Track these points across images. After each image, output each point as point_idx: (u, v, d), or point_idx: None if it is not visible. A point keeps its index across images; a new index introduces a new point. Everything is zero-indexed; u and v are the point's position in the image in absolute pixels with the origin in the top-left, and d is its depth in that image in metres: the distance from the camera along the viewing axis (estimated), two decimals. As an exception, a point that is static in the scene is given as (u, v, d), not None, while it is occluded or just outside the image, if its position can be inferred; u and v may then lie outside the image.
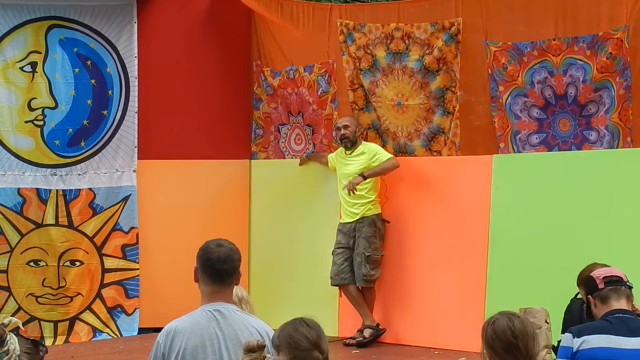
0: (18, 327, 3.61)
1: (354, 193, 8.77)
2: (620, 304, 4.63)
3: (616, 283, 4.70)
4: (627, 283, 4.75)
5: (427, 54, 8.85)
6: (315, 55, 9.64)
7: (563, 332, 5.96)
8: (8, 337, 3.46)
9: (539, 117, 8.28)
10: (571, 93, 8.06)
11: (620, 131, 7.82)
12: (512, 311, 3.92)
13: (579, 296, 5.55)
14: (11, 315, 9.03)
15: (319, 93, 9.64)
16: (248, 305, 4.96)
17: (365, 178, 8.83)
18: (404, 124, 9.12)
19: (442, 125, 8.89)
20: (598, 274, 4.78)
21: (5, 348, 3.44)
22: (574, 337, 4.52)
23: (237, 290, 5.01)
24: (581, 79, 7.97)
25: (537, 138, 8.30)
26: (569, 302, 6.04)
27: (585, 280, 4.87)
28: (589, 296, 4.75)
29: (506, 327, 3.77)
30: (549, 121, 8.23)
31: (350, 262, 8.92)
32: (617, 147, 7.83)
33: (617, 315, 4.58)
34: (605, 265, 5.58)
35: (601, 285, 4.69)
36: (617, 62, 7.78)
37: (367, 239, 8.85)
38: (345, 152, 9.09)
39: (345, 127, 9.03)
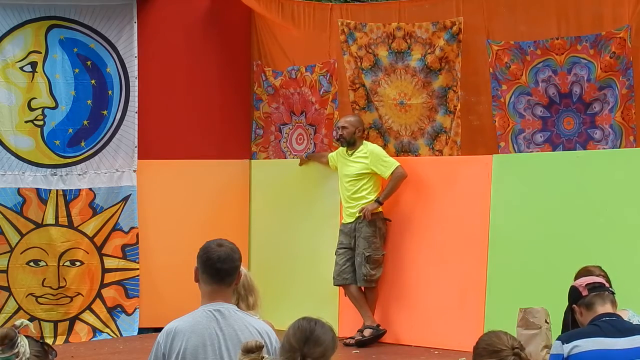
0: (25, 326, 3.61)
1: (369, 219, 8.78)
2: (605, 308, 4.64)
3: (599, 289, 4.71)
4: (610, 289, 4.76)
5: (429, 53, 8.86)
6: (316, 55, 9.64)
7: (562, 332, 5.97)
8: (19, 340, 3.47)
9: (543, 115, 8.28)
10: (576, 91, 8.07)
11: (623, 130, 7.83)
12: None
13: None
14: (11, 316, 9.10)
15: (321, 93, 9.65)
16: (243, 289, 4.93)
17: (381, 204, 8.85)
18: (407, 123, 9.12)
19: (444, 124, 8.90)
20: (580, 282, 4.79)
21: (16, 350, 3.44)
22: (563, 344, 4.51)
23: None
24: (586, 78, 7.97)
25: (541, 136, 8.31)
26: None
27: (568, 292, 4.86)
28: (574, 305, 4.75)
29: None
30: (553, 120, 8.23)
31: (352, 263, 8.92)
32: (619, 147, 7.84)
33: (604, 319, 4.58)
34: (598, 267, 5.61)
35: (585, 292, 4.69)
36: (620, 61, 7.78)
37: (367, 239, 8.85)
38: (347, 152, 9.08)
39: (343, 128, 9.03)
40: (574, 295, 4.76)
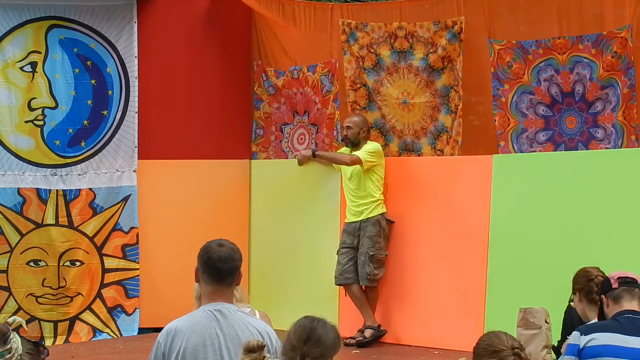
0: (20, 327, 3.61)
1: (300, 159, 9.43)
2: (632, 304, 4.68)
3: (630, 284, 4.74)
4: None
5: (431, 52, 8.87)
6: (317, 54, 9.65)
7: (562, 332, 5.97)
8: (11, 336, 3.47)
9: (545, 114, 8.29)
10: (578, 90, 8.08)
11: (624, 130, 7.83)
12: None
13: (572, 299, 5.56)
14: (11, 316, 9.09)
15: (323, 92, 9.65)
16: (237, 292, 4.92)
17: (314, 156, 9.32)
18: (411, 122, 9.14)
19: (446, 123, 8.91)
20: (613, 274, 4.84)
21: (8, 346, 3.44)
22: (581, 335, 4.58)
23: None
24: (588, 77, 7.99)
25: (543, 135, 8.32)
26: (568, 302, 6.03)
27: (601, 282, 4.93)
28: (602, 296, 4.80)
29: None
30: (556, 119, 8.24)
31: (355, 262, 8.92)
32: (621, 146, 7.84)
33: (626, 315, 4.62)
34: (597, 268, 5.63)
35: (615, 285, 4.73)
36: (622, 61, 7.79)
37: (371, 238, 8.85)
38: (350, 152, 9.08)
39: (348, 128, 9.05)
40: (605, 286, 4.80)
